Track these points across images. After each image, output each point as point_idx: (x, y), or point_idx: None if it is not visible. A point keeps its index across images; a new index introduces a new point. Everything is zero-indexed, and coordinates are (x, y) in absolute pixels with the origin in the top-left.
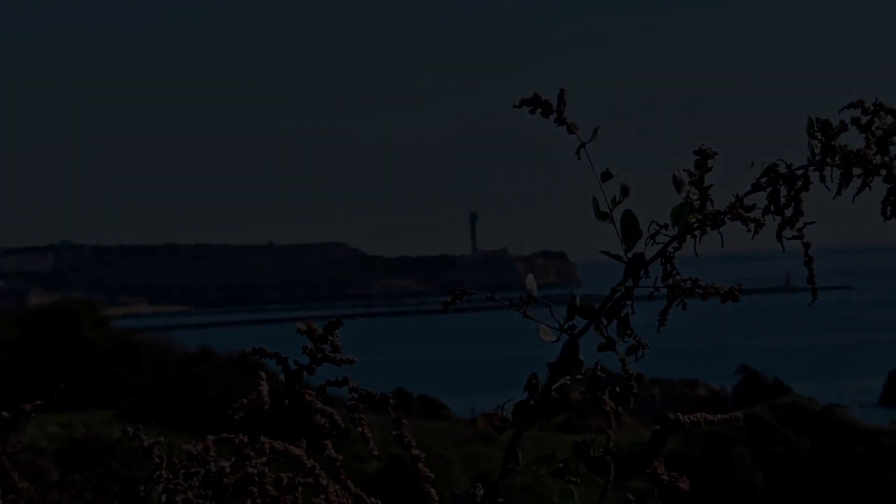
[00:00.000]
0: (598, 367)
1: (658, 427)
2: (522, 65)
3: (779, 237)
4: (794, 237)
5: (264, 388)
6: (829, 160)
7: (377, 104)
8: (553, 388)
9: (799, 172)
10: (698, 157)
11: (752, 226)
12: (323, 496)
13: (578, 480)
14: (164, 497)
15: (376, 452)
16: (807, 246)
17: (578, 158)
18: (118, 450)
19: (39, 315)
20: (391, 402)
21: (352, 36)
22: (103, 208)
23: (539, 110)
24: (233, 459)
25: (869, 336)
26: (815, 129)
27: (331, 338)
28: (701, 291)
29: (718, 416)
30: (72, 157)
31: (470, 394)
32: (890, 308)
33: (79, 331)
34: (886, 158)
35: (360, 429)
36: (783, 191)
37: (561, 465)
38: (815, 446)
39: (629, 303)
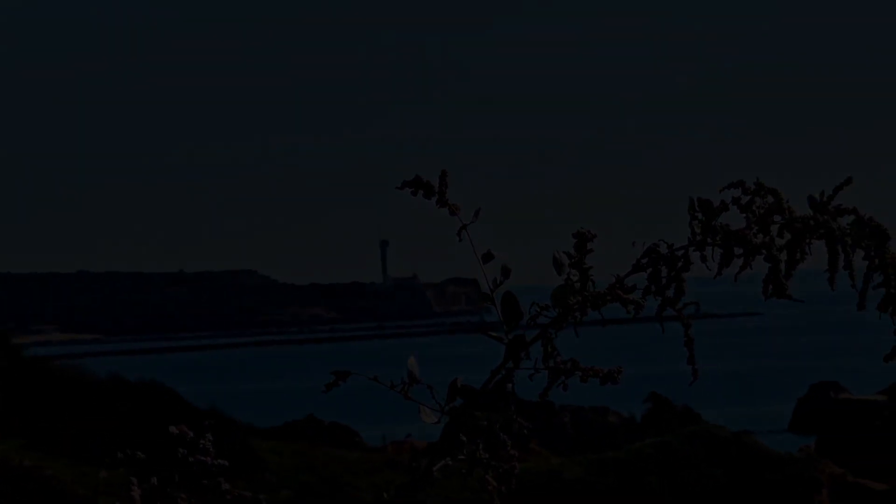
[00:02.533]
0: (481, 448)
1: None
2: (427, 92)
3: (658, 318)
4: (673, 317)
5: (136, 493)
6: (709, 240)
7: (284, 129)
8: (435, 469)
9: (679, 253)
10: (577, 239)
11: (631, 308)
12: None
13: None
14: None
15: None
16: (687, 326)
17: (460, 240)
18: (28, 479)
19: None
20: (262, 502)
21: (260, 61)
22: (12, 235)
23: (421, 192)
24: None
25: (779, 362)
26: (696, 209)
27: (202, 442)
28: (580, 373)
29: None
30: None
31: (381, 421)
32: (800, 334)
33: None
34: (767, 238)
35: None
36: (664, 271)
37: None
38: (726, 474)
39: (510, 385)
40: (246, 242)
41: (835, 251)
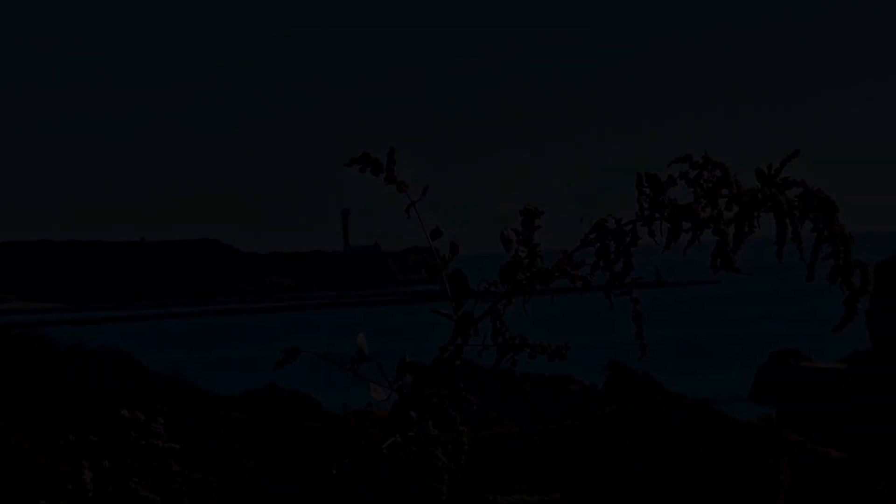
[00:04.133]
0: (430, 424)
1: None
2: (387, 63)
3: (607, 293)
4: (622, 293)
5: (87, 476)
6: (657, 214)
7: (243, 98)
8: (384, 446)
9: (627, 228)
10: (524, 216)
11: (578, 283)
12: None
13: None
14: None
15: None
16: (636, 302)
17: (408, 217)
18: None
19: None
20: (214, 486)
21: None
22: None
23: (369, 169)
24: None
25: (738, 330)
26: (644, 184)
27: (153, 425)
28: (529, 349)
29: (537, 496)
30: None
31: (342, 389)
32: (759, 302)
33: None
34: (715, 212)
35: None
36: (612, 246)
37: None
38: (686, 441)
39: (458, 362)
40: (207, 211)
41: (783, 224)
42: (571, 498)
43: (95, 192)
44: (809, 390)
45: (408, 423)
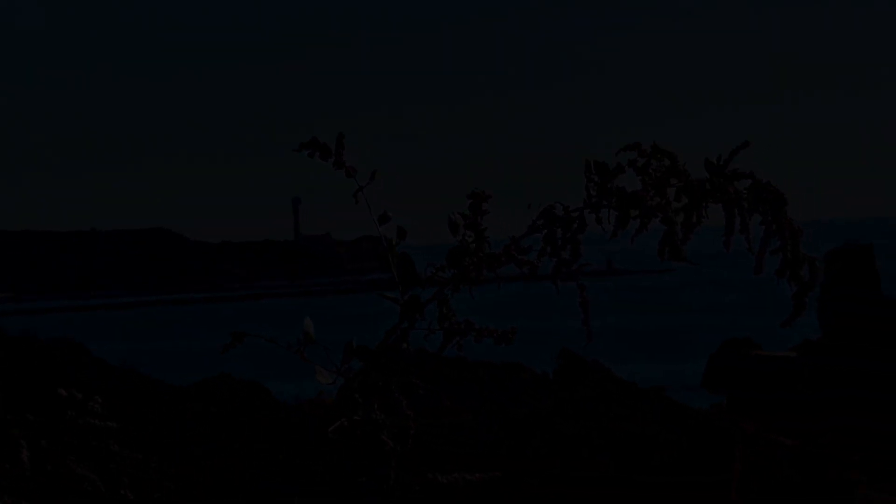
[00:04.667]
0: (376, 408)
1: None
2: (337, 44)
3: (554, 280)
4: (568, 279)
5: (25, 455)
6: (605, 202)
7: (192, 84)
8: (330, 430)
9: (575, 214)
10: (472, 200)
11: (525, 269)
12: None
13: None
14: None
15: None
16: (582, 289)
17: (356, 203)
18: None
19: None
20: (153, 465)
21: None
22: None
23: (318, 153)
24: None
25: (691, 318)
26: (592, 171)
27: (91, 403)
28: (475, 334)
29: (478, 474)
30: None
31: (295, 379)
32: (711, 291)
33: None
34: (663, 201)
35: (122, 492)
36: (559, 232)
37: None
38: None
39: (405, 345)
40: (158, 201)
41: (731, 215)
42: (535, 489)
43: (46, 181)
44: (763, 379)
45: (353, 406)
